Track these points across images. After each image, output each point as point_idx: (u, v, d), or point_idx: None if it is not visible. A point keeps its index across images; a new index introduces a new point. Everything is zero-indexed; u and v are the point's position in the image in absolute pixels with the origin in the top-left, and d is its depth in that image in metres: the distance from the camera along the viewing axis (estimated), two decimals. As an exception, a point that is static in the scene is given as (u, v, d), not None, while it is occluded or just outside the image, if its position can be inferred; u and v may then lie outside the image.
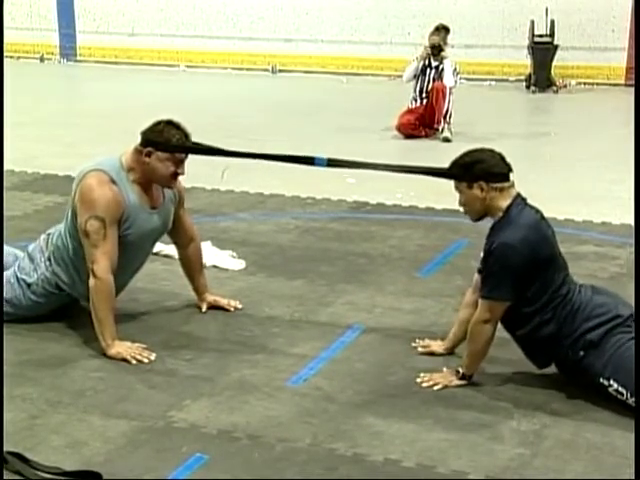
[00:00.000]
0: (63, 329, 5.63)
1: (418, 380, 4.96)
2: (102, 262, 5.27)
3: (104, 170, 5.37)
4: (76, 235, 5.40)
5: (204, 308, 5.95)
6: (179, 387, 4.92)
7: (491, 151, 5.07)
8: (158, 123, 5.46)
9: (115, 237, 5.32)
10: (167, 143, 5.38)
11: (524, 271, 4.73)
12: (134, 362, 5.19)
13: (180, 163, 5.50)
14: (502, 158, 4.98)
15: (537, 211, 4.96)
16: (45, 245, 5.68)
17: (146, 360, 5.21)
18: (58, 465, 4.08)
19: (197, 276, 6.00)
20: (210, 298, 5.98)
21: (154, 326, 5.73)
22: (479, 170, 4.92)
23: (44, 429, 4.49)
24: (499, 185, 4.88)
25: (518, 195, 4.92)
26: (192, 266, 5.98)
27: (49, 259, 5.61)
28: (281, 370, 5.10)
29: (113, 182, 5.34)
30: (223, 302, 5.98)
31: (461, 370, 4.92)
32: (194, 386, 4.93)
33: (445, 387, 4.91)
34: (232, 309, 5.95)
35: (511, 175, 4.94)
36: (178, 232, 5.92)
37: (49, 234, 5.74)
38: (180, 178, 5.59)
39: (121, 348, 5.27)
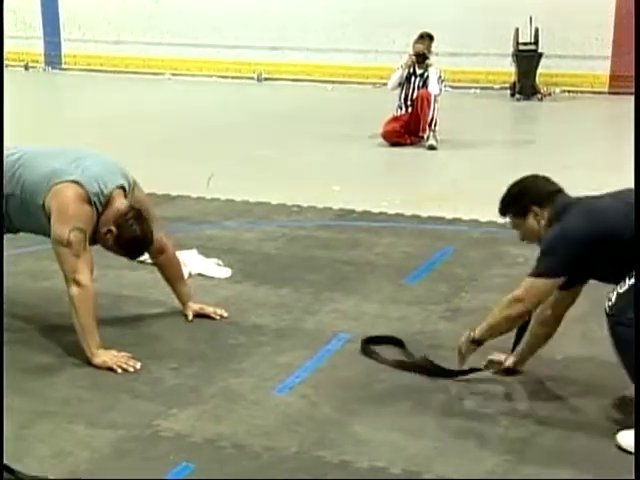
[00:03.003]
0: (47, 338, 5.62)
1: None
2: (85, 271, 5.27)
3: (84, 187, 5.34)
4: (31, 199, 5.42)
5: (190, 316, 5.93)
6: (165, 396, 4.90)
7: (533, 176, 5.03)
8: (130, 215, 5.38)
9: (90, 249, 5.37)
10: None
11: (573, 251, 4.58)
12: (120, 371, 5.18)
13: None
14: (545, 178, 4.96)
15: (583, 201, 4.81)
16: None
17: (132, 369, 5.20)
18: (44, 474, 4.07)
19: (177, 285, 6.00)
20: (195, 306, 5.97)
21: (139, 334, 5.72)
22: (527, 200, 4.85)
23: (31, 439, 4.49)
24: (551, 205, 4.77)
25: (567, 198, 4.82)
26: (168, 276, 5.98)
27: None
28: (267, 379, 5.10)
29: (89, 202, 5.33)
30: (209, 310, 5.97)
31: (472, 334, 4.88)
32: (180, 395, 4.92)
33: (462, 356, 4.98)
34: (218, 317, 5.94)
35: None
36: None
37: None
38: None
39: (106, 357, 5.25)
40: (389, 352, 5.38)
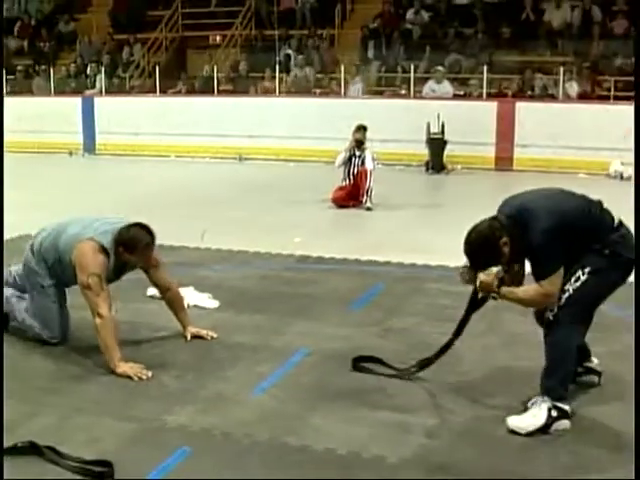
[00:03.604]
0: (78, 353, 5.55)
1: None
2: (104, 305, 5.28)
3: (97, 241, 5.36)
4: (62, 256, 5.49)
5: (189, 337, 5.87)
6: (170, 397, 4.86)
7: (473, 229, 4.45)
8: (131, 226, 5.46)
9: (107, 287, 5.38)
10: (135, 245, 5.41)
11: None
12: (136, 379, 5.11)
13: (148, 258, 5.56)
14: (486, 221, 4.44)
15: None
16: (33, 255, 5.69)
17: (144, 377, 5.14)
18: (81, 456, 4.05)
19: (179, 314, 5.96)
20: (193, 330, 5.91)
21: (151, 351, 5.65)
22: (490, 251, 4.33)
23: (70, 428, 4.45)
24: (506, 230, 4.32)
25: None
26: (173, 307, 5.94)
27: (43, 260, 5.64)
28: (246, 384, 5.05)
29: (104, 251, 5.35)
30: (203, 332, 5.91)
31: (500, 289, 4.41)
32: (181, 396, 4.87)
33: (487, 288, 4.43)
34: (209, 338, 5.88)
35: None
36: (156, 285, 5.99)
37: (32, 245, 5.75)
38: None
39: (126, 367, 5.19)
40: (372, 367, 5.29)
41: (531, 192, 4.66)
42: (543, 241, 4.23)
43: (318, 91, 18.15)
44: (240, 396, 4.87)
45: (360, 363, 5.24)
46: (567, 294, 4.29)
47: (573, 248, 4.30)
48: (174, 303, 5.96)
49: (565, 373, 4.42)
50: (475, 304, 4.73)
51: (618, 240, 4.38)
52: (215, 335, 5.93)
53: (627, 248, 4.39)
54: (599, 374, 4.94)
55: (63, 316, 5.73)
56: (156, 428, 4.45)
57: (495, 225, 4.34)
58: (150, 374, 5.18)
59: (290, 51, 19.31)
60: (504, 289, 4.39)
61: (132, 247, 5.41)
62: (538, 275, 4.32)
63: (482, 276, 4.40)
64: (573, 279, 4.30)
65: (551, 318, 4.33)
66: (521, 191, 4.67)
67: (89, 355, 5.51)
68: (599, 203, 4.52)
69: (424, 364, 4.98)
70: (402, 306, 6.71)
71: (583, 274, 4.30)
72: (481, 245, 4.35)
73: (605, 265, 4.33)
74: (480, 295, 4.61)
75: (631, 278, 4.56)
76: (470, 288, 4.67)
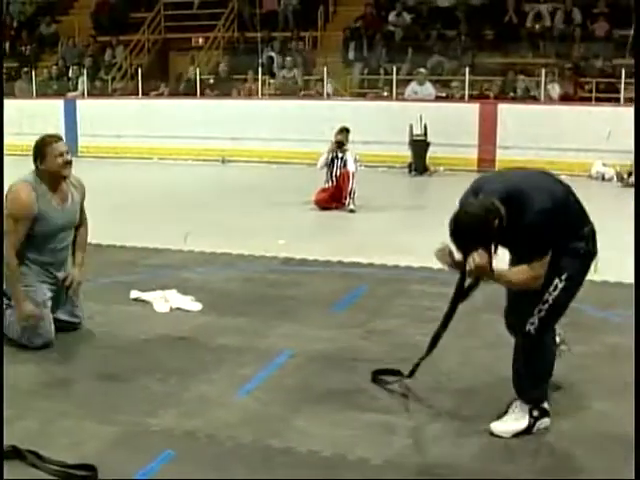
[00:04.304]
0: (60, 357, 5.53)
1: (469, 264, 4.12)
2: (10, 252, 5.41)
3: (27, 180, 5.53)
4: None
5: (69, 277, 5.82)
6: (153, 400, 4.83)
7: (464, 209, 4.17)
8: (39, 140, 5.61)
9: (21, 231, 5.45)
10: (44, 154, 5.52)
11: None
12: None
13: (62, 154, 5.60)
14: (477, 201, 4.18)
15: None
16: None
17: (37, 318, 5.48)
18: (63, 460, 4.02)
19: (78, 251, 5.93)
20: (75, 272, 5.86)
21: (133, 353, 5.62)
22: (482, 233, 4.06)
23: (53, 432, 4.42)
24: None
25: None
26: (78, 242, 5.93)
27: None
28: (230, 386, 5.04)
29: (29, 186, 5.50)
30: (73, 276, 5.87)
31: (494, 272, 4.13)
32: (164, 399, 4.85)
33: (482, 270, 4.10)
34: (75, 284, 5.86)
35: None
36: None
37: None
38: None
39: (29, 307, 5.46)
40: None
41: (515, 173, 4.64)
42: (539, 222, 4.06)
43: (302, 93, 18.16)
44: (224, 398, 4.86)
45: (379, 376, 5.05)
46: (547, 305, 4.24)
47: (560, 232, 4.19)
48: (79, 239, 5.94)
49: (548, 380, 4.44)
50: (463, 291, 4.45)
51: (589, 234, 4.34)
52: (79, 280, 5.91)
53: (595, 244, 4.39)
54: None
55: (44, 322, 5.64)
56: (140, 431, 4.43)
57: (488, 205, 4.05)
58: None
59: (273, 53, 19.32)
60: (497, 271, 4.14)
61: (42, 154, 5.51)
62: (530, 257, 4.11)
63: (477, 258, 4.06)
64: (551, 288, 4.22)
65: (532, 331, 4.26)
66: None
67: (72, 359, 5.51)
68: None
69: (417, 364, 4.86)
70: (385, 308, 6.71)
71: (560, 281, 4.24)
72: (473, 226, 4.03)
73: (579, 267, 4.31)
74: (469, 281, 4.35)
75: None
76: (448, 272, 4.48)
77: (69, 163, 5.63)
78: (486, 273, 4.12)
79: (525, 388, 4.38)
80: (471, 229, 4.04)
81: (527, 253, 4.14)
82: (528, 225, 4.07)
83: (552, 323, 4.37)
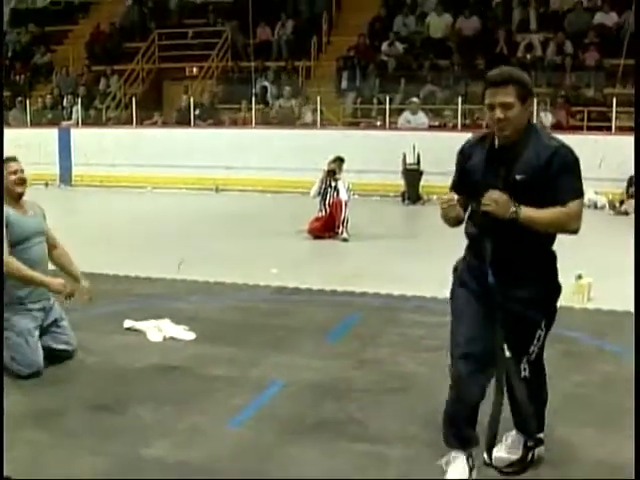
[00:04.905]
0: (52, 387, 5.50)
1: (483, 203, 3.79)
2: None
3: None
4: None
5: (87, 285, 5.99)
6: (146, 430, 4.81)
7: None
8: None
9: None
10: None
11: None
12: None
13: (16, 172, 5.89)
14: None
15: None
16: None
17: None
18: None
19: (68, 268, 6.10)
20: (85, 283, 6.00)
21: (126, 383, 5.59)
22: (530, 85, 3.87)
23: (45, 464, 4.38)
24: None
25: None
26: (62, 261, 6.10)
27: None
28: (223, 416, 5.01)
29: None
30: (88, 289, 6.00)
31: (519, 211, 3.75)
32: (157, 429, 4.83)
33: (497, 206, 3.74)
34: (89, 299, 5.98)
35: None
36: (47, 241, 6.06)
37: None
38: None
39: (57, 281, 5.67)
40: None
41: None
42: (575, 160, 3.85)
43: (299, 122, 18.22)
44: (216, 429, 4.84)
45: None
46: (534, 355, 4.08)
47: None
48: (62, 259, 6.09)
49: (545, 409, 4.39)
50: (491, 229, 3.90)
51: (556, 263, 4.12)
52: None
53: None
54: None
55: (31, 350, 5.63)
56: (132, 462, 4.40)
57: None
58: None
59: (267, 83, 19.40)
60: (523, 208, 3.76)
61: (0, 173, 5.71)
62: (561, 198, 3.80)
63: (495, 194, 3.76)
64: (535, 340, 4.05)
65: (528, 375, 4.09)
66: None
67: (64, 389, 5.47)
68: None
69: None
70: (378, 336, 6.70)
71: (542, 330, 4.06)
72: (525, 77, 3.86)
73: (554, 308, 4.15)
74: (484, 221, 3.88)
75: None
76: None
77: (23, 181, 5.92)
78: (507, 210, 3.74)
79: (523, 422, 4.29)
80: (521, 75, 3.86)
81: (564, 190, 3.82)
82: (564, 160, 3.83)
83: (541, 358, 4.22)
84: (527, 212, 3.76)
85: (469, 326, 4.06)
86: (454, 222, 4.11)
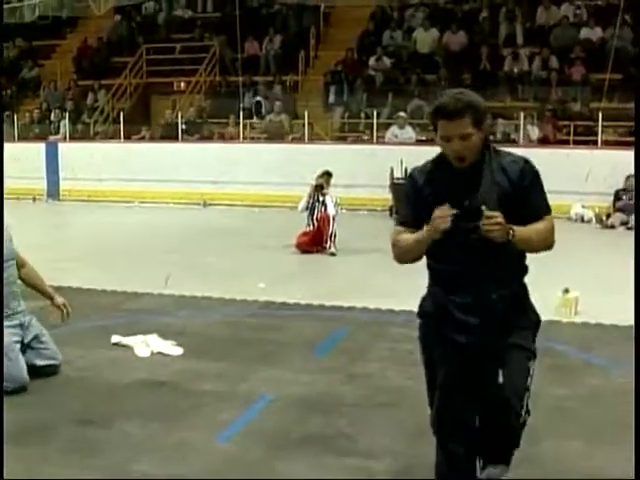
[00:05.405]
0: (40, 403, 5.48)
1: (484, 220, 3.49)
2: None
3: None
4: None
5: (60, 302, 6.08)
6: (135, 446, 4.80)
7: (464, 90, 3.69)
8: None
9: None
10: None
11: None
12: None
13: None
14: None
15: None
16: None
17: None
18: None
19: (41, 286, 6.12)
20: (59, 300, 6.08)
21: (114, 398, 5.58)
22: (483, 105, 3.62)
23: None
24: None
25: None
26: (33, 281, 6.10)
27: None
28: (210, 431, 5.01)
29: None
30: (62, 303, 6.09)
31: (515, 230, 3.51)
32: (146, 445, 4.82)
33: (501, 229, 3.47)
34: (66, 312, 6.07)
35: None
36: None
37: None
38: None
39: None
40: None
41: None
42: (538, 172, 3.74)
43: (291, 137, 18.25)
44: (204, 444, 4.83)
45: None
46: (529, 390, 3.76)
47: None
48: (31, 278, 6.09)
49: None
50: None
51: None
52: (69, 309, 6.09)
53: None
54: None
55: (12, 364, 5.59)
56: (121, 477, 4.39)
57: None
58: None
59: (260, 98, 19.40)
60: (516, 227, 3.55)
61: None
62: (537, 212, 3.68)
63: (498, 217, 3.49)
64: (530, 372, 3.76)
65: (527, 418, 3.78)
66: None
67: (52, 404, 5.46)
68: None
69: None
70: (367, 351, 6.70)
71: (533, 362, 3.77)
72: (468, 95, 3.60)
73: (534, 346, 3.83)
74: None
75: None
76: None
77: None
78: (504, 230, 3.51)
79: (499, 454, 3.91)
80: (477, 100, 3.60)
81: (536, 206, 3.69)
82: (532, 176, 3.69)
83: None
84: (521, 230, 3.56)
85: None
86: (415, 256, 3.82)
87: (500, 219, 3.49)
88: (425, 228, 3.64)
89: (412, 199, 3.83)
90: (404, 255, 3.84)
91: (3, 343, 5.42)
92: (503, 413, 3.72)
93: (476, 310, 3.68)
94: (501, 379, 3.67)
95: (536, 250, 3.68)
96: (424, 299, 3.96)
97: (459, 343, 3.71)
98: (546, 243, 3.68)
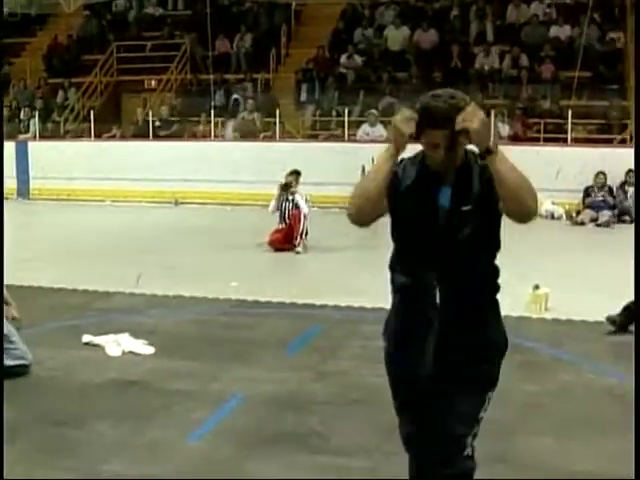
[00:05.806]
0: (8, 404, 5.43)
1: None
2: None
3: None
4: None
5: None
6: (106, 446, 4.78)
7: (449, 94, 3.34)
8: None
9: None
10: None
11: None
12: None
13: None
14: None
15: None
16: None
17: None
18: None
19: None
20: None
21: (85, 398, 5.56)
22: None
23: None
24: None
25: None
26: None
27: None
28: (182, 431, 4.99)
29: None
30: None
31: (497, 146, 3.14)
32: (117, 445, 4.80)
33: (482, 121, 3.13)
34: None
35: None
36: None
37: None
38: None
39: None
40: None
41: None
42: None
43: (263, 135, 18.20)
44: (176, 443, 4.81)
45: None
46: (479, 424, 3.39)
47: None
48: None
49: None
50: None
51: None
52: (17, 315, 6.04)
53: None
54: None
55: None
56: (92, 478, 4.37)
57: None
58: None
59: (237, 95, 19.32)
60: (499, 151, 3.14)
61: None
62: None
63: (479, 113, 3.18)
64: (486, 404, 3.38)
65: (471, 459, 3.40)
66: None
67: (22, 405, 5.40)
68: None
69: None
70: (339, 349, 6.71)
71: (492, 392, 3.40)
72: (458, 100, 3.27)
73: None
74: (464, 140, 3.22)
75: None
76: None
77: None
78: (489, 135, 3.19)
79: None
80: (457, 99, 3.29)
81: None
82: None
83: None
84: (505, 155, 3.11)
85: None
86: (376, 192, 3.49)
87: (481, 115, 3.14)
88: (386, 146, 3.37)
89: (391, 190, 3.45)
90: (364, 195, 3.54)
91: (3, 343, 5.38)
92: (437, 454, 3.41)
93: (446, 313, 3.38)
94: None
95: (521, 194, 3.10)
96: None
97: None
98: (532, 192, 3.11)
